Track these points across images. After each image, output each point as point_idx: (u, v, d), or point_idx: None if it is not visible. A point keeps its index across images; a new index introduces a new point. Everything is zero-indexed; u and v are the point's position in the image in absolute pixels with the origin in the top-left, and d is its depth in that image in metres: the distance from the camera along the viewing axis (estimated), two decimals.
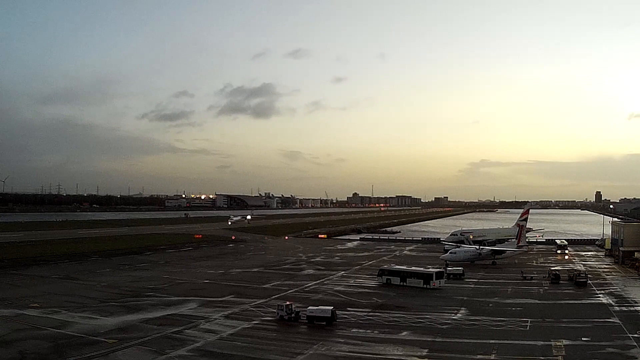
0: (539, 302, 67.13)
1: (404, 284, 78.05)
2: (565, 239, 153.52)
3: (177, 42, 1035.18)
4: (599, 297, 70.22)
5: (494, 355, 43.02)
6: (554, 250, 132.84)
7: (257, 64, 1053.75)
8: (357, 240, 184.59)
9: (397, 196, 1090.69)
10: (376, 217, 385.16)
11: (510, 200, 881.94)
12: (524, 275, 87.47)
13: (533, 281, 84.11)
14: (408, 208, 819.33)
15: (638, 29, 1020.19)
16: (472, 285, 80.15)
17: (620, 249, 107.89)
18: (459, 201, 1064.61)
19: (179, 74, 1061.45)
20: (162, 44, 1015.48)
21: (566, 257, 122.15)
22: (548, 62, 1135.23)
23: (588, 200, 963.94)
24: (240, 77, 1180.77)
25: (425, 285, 75.83)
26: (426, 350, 44.52)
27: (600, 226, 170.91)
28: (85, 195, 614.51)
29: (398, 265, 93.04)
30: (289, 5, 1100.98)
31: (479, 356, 42.82)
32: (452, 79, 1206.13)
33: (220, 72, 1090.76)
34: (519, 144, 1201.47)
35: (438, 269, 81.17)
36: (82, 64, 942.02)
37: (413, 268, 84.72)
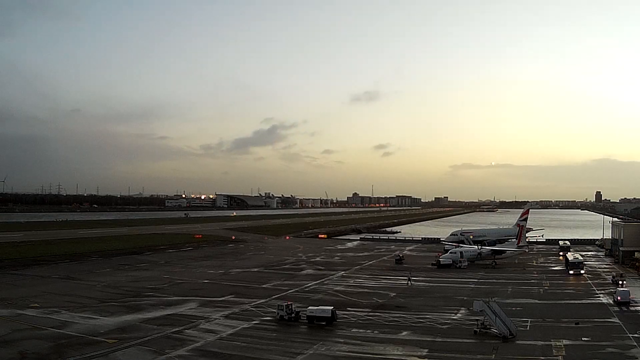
0: (539, 302, 67.09)
1: None
2: (567, 239, 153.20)
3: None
4: (599, 297, 70.21)
5: (494, 355, 43.00)
6: (557, 251, 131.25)
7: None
8: (357, 240, 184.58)
9: (397, 196, 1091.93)
10: (376, 217, 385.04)
11: (511, 200, 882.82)
12: (524, 267, 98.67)
13: (533, 275, 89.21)
14: (408, 208, 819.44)
15: (635, 30, 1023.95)
16: (472, 286, 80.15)
17: (620, 249, 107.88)
18: (459, 201, 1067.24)
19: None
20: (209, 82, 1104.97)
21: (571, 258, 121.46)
22: (547, 62, 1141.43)
23: (588, 201, 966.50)
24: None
25: None
26: (426, 350, 44.48)
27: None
28: (85, 195, 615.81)
29: None
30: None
31: (479, 356, 42.81)
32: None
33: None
34: (504, 146, 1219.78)
35: None
36: (136, 92, 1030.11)
37: None
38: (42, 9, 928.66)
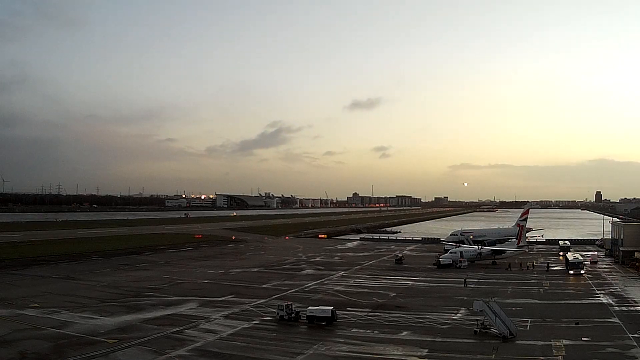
0: (539, 302, 67.09)
1: None
2: (567, 239, 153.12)
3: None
4: (599, 297, 70.22)
5: (494, 355, 42.98)
6: (557, 251, 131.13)
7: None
8: (357, 240, 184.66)
9: (397, 196, 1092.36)
10: (376, 217, 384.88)
11: (510, 200, 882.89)
12: (522, 268, 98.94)
13: (534, 274, 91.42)
14: (408, 208, 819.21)
15: (636, 30, 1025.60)
16: (472, 286, 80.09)
17: (620, 249, 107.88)
18: (459, 201, 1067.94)
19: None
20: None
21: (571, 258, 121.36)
22: (547, 63, 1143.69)
23: (588, 201, 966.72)
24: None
25: None
26: (426, 350, 44.48)
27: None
28: (85, 195, 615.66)
29: None
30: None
31: (479, 356, 42.80)
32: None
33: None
34: (503, 146, 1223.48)
35: None
36: (142, 95, 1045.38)
37: None
38: (50, 16, 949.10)
